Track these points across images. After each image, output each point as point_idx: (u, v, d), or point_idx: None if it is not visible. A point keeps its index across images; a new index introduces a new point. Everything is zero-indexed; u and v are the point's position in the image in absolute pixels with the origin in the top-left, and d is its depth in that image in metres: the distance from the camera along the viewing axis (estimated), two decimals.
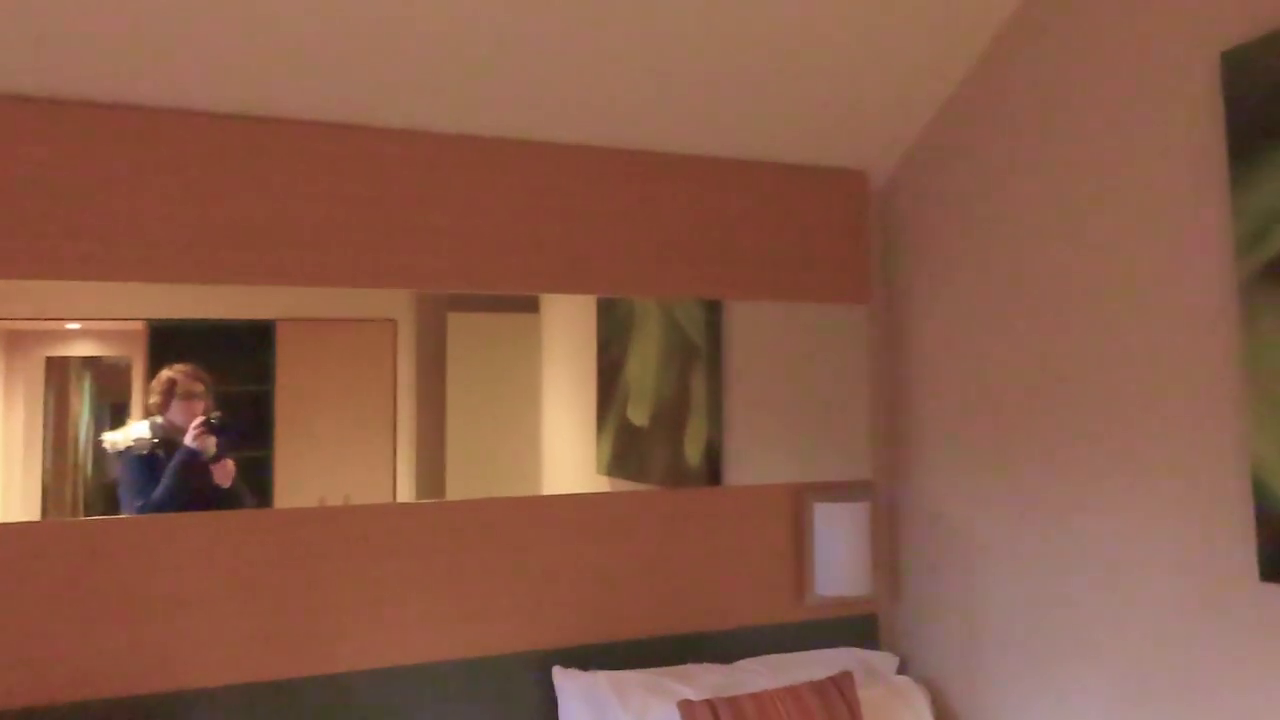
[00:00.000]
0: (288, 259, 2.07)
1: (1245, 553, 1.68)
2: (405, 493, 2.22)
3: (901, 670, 2.51)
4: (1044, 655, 2.09)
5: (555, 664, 2.19)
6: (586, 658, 2.24)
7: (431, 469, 2.27)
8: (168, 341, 2.11)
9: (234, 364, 2.15)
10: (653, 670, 2.19)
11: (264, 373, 2.18)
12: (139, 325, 2.11)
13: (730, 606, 2.42)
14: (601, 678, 2.10)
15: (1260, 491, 1.61)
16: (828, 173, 2.61)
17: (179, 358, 2.09)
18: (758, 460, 2.52)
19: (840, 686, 2.08)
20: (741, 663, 2.34)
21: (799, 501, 2.51)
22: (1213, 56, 1.76)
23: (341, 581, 2.06)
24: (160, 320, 2.11)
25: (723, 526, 2.44)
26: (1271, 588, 1.64)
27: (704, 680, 2.18)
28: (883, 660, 2.46)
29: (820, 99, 2.34)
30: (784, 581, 2.48)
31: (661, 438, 2.45)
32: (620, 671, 2.15)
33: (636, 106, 2.25)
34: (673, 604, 2.35)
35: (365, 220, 2.14)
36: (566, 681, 2.11)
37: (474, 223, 2.23)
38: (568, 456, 2.42)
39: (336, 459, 2.20)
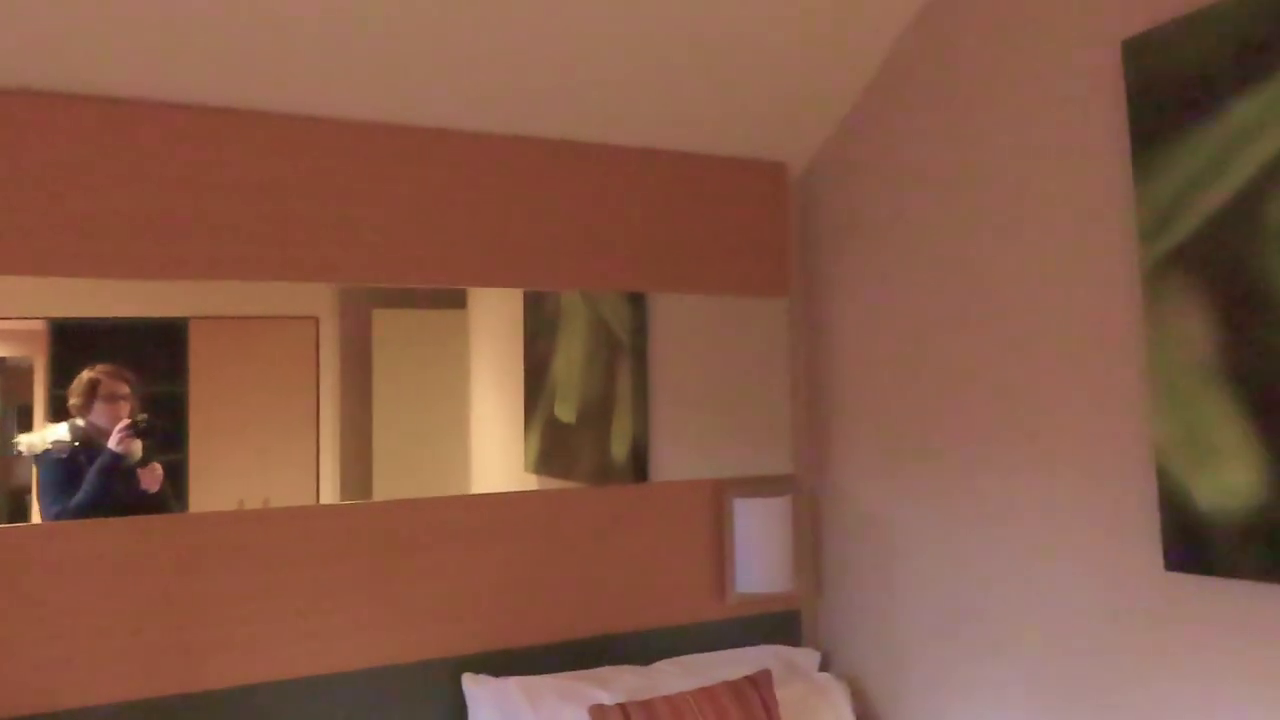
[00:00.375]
0: (199, 252, 1.98)
1: (1150, 543, 1.67)
2: (329, 494, 2.15)
3: (824, 667, 2.49)
4: (961, 650, 2.08)
5: (467, 671, 2.13)
6: (500, 664, 2.18)
7: (358, 469, 2.21)
8: (71, 341, 2.01)
9: (144, 364, 2.04)
10: (567, 675, 2.14)
11: (176, 373, 2.08)
12: (40, 324, 2.01)
13: (650, 606, 2.37)
14: (513, 684, 2.05)
15: (1163, 481, 1.60)
16: (747, 164, 2.58)
17: (83, 358, 1.99)
18: (683, 456, 2.48)
19: (757, 686, 2.05)
20: (659, 664, 2.30)
21: (719, 498, 2.48)
22: (1114, 45, 1.74)
23: (246, 590, 1.98)
24: (62, 319, 2.01)
25: (643, 525, 2.39)
26: (1176, 577, 1.63)
27: (620, 683, 2.14)
28: (805, 657, 2.43)
29: (739, 89, 2.30)
30: (704, 580, 2.44)
31: (588, 435, 2.41)
32: (533, 677, 2.09)
33: (555, 95, 2.20)
34: (591, 605, 2.30)
35: (282, 212, 2.05)
36: (477, 689, 2.06)
37: (393, 215, 2.16)
38: (496, 454, 2.36)
39: (256, 461, 2.12)
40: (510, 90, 2.16)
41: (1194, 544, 1.56)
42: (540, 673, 2.22)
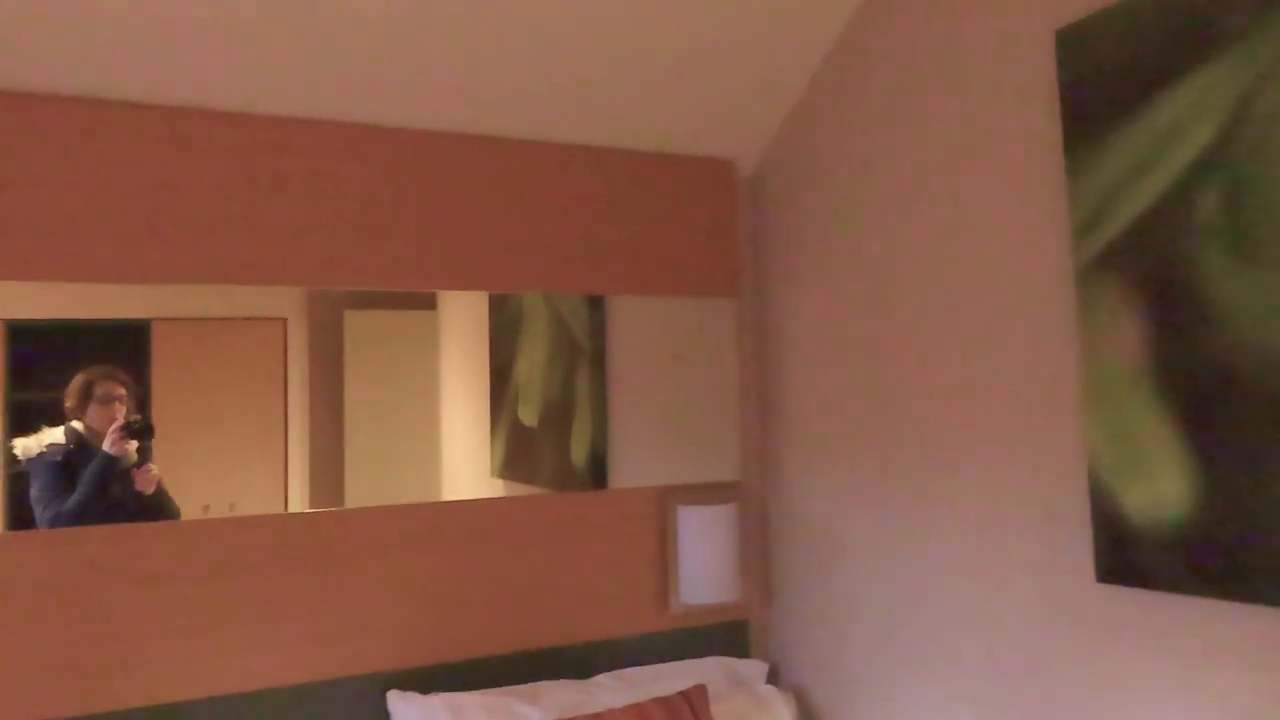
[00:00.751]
0: (164, 256, 1.93)
1: (1083, 553, 1.61)
2: (298, 499, 2.11)
3: (772, 678, 2.42)
4: (905, 660, 2.01)
5: (394, 687, 2.06)
6: (431, 679, 2.11)
7: (329, 474, 2.17)
8: (29, 343, 1.98)
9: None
10: (499, 691, 2.07)
11: (138, 376, 2.04)
12: None
13: (591, 618, 2.30)
14: (438, 701, 1.98)
15: (1096, 490, 1.54)
16: (695, 161, 2.51)
17: (41, 360, 1.97)
18: (639, 462, 2.42)
19: (690, 701, 1.98)
20: (599, 678, 2.23)
21: (664, 505, 2.41)
22: (1048, 34, 1.67)
23: (160, 605, 1.91)
24: (20, 321, 1.97)
25: (585, 534, 2.32)
26: (1108, 589, 1.57)
27: (554, 699, 2.07)
28: (752, 669, 2.36)
29: (684, 85, 2.24)
30: (648, 590, 2.37)
31: (550, 439, 2.35)
32: (461, 694, 2.02)
33: (508, 94, 2.15)
34: (530, 617, 2.23)
35: (249, 215, 2.02)
36: (402, 706, 1.98)
37: (345, 215, 2.11)
38: (464, 458, 2.31)
39: (222, 466, 2.07)
40: (465, 90, 2.11)
41: (1124, 556, 1.49)
42: (475, 688, 2.15)
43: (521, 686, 2.12)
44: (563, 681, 2.17)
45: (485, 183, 2.26)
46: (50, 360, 1.98)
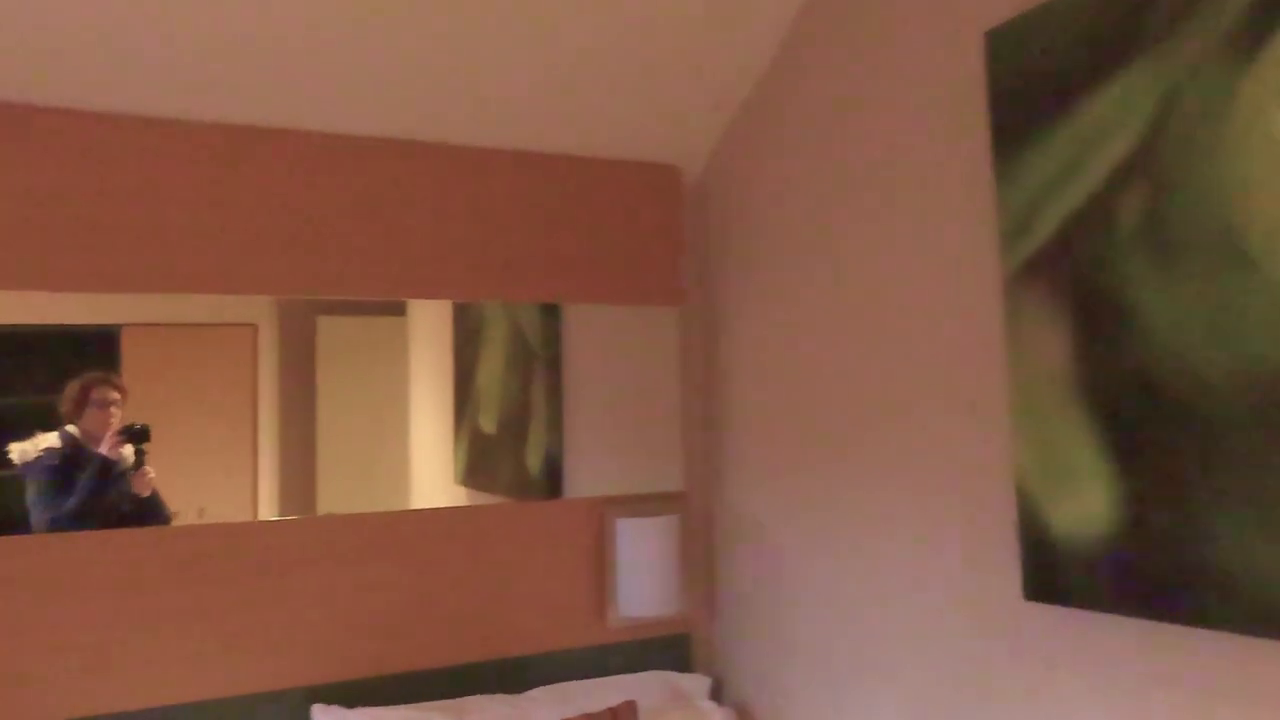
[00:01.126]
0: (135, 265, 1.95)
1: (1012, 570, 1.56)
2: (268, 506, 2.08)
3: (716, 693, 2.37)
4: (844, 676, 1.96)
5: (318, 702, 2.01)
6: (360, 693, 2.05)
7: (300, 481, 2.14)
8: None
9: (75, 373, 1.96)
10: (425, 705, 2.01)
11: None
12: None
13: (527, 631, 2.25)
14: (361, 717, 1.92)
15: (1023, 506, 1.49)
16: (642, 167, 2.46)
17: (10, 366, 1.94)
18: (592, 471, 2.38)
19: (619, 717, 1.93)
20: (534, 692, 2.17)
21: (604, 517, 2.35)
22: (978, 36, 1.63)
23: (78, 617, 1.85)
24: None
25: (529, 545, 2.27)
26: (1035, 607, 1.52)
27: (482, 714, 2.01)
28: (694, 683, 2.31)
29: (633, 91, 2.20)
30: (587, 602, 2.32)
31: (508, 447, 2.32)
32: (386, 709, 1.97)
33: (456, 100, 2.13)
34: (466, 630, 2.18)
35: (212, 223, 2.02)
36: None
37: (311, 224, 2.10)
38: (431, 465, 2.27)
39: (192, 472, 2.04)
40: (419, 99, 2.10)
41: (1050, 573, 1.44)
42: (408, 702, 2.09)
43: (449, 701, 2.07)
44: (494, 696, 2.12)
45: (438, 190, 2.23)
46: (19, 366, 1.94)
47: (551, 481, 2.34)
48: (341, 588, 2.07)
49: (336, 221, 2.13)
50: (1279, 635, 1.14)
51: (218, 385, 2.08)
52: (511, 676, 2.22)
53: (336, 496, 2.14)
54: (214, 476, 2.06)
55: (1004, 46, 1.54)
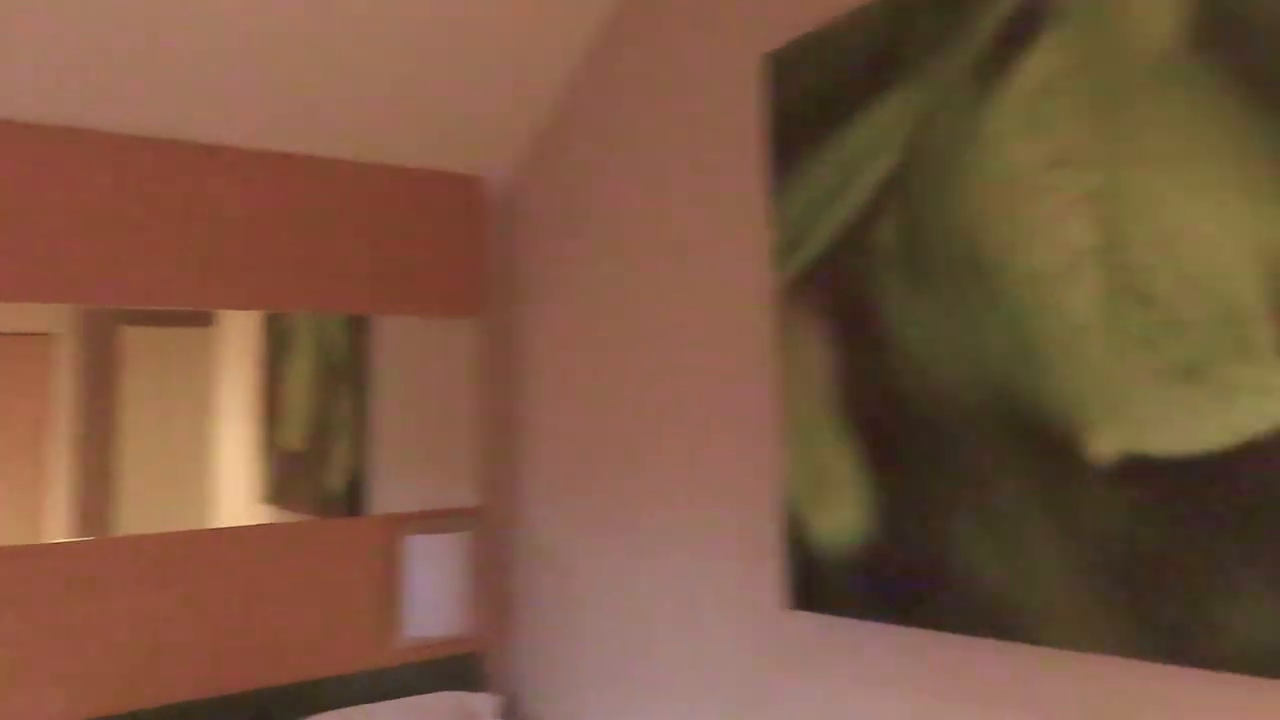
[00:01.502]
0: None
1: (779, 582, 1.59)
2: (58, 527, 1.91)
3: (509, 712, 2.32)
4: (634, 690, 1.95)
5: None
6: None
7: (97, 500, 1.96)
8: None
9: None
10: None
11: None
12: None
13: (312, 655, 2.14)
14: None
15: (790, 519, 1.52)
16: (444, 178, 2.41)
17: None
18: (395, 488, 2.29)
19: None
20: (321, 717, 2.07)
21: (395, 535, 2.28)
22: (757, 58, 1.67)
23: None
24: None
25: (318, 565, 2.16)
26: (799, 615, 1.55)
27: None
28: (483, 703, 2.25)
29: (434, 99, 2.15)
30: (375, 624, 2.23)
31: (313, 463, 2.21)
32: None
33: (256, 103, 2.03)
34: (252, 656, 2.05)
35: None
36: None
37: (100, 230, 1.96)
38: (236, 483, 2.12)
39: None
40: (221, 101, 2.00)
41: (810, 582, 1.48)
42: None
43: None
44: None
45: (245, 198, 2.13)
46: None
47: (354, 499, 2.25)
48: (121, 614, 1.92)
49: (141, 228, 2.00)
50: (1004, 636, 1.20)
51: (4, 399, 1.91)
52: (296, 702, 2.10)
53: (138, 515, 2.01)
54: None
55: (782, 68, 1.58)
